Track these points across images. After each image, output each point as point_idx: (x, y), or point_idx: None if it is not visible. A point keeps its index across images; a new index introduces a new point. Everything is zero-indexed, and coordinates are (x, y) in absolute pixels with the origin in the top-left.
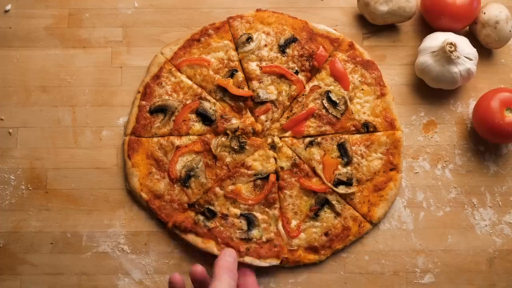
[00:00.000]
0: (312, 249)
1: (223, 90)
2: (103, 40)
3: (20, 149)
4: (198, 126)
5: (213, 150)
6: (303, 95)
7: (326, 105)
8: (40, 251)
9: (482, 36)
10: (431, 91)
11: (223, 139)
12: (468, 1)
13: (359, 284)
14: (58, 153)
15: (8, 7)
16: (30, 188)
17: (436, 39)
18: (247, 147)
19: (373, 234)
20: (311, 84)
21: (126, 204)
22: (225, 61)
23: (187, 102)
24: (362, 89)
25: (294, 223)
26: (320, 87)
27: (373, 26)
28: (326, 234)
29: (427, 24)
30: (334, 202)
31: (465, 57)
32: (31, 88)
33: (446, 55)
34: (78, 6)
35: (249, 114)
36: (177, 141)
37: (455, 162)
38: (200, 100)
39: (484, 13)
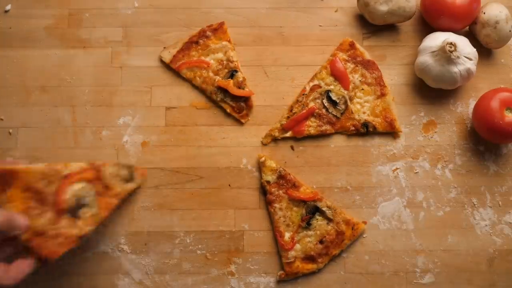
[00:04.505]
0: (309, 258)
1: (224, 91)
2: (103, 40)
3: (20, 149)
4: None
5: (104, 178)
6: (303, 94)
7: (326, 104)
8: None
9: (482, 36)
10: (431, 91)
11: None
12: (468, 1)
13: (359, 284)
14: (58, 153)
15: (8, 7)
16: None
17: (436, 39)
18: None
19: (373, 234)
20: (311, 84)
21: (125, 203)
22: (225, 62)
23: None
24: (362, 89)
25: (287, 235)
26: (320, 87)
27: (373, 26)
28: (321, 241)
29: (427, 24)
30: (324, 209)
31: (465, 57)
32: (31, 88)
33: (446, 55)
34: (78, 6)
35: None
36: (64, 170)
37: (455, 162)
38: None
39: (484, 13)
